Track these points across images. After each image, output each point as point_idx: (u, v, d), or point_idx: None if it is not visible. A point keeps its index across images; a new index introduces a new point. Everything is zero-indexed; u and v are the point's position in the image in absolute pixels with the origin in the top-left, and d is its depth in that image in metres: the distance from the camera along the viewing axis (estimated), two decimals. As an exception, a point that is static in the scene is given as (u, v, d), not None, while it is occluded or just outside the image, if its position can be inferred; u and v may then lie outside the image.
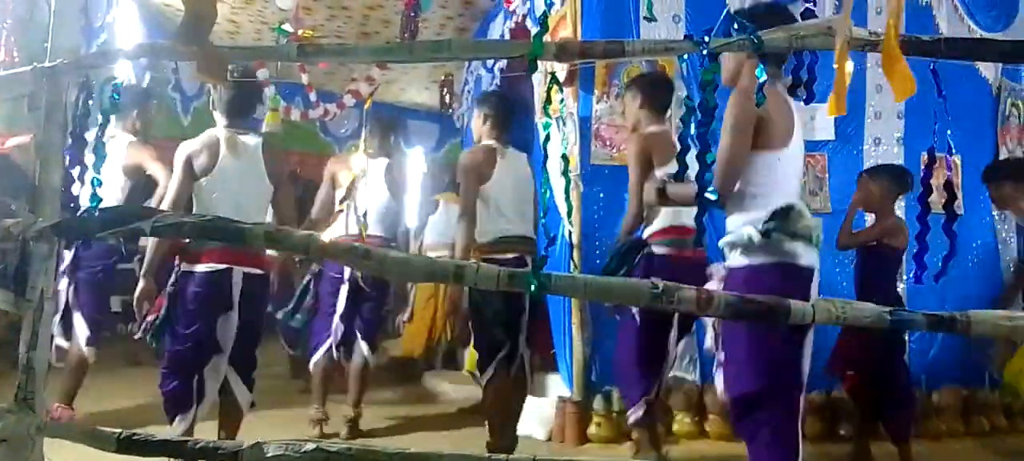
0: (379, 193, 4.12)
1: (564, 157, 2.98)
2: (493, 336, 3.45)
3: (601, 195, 4.05)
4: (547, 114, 1.98)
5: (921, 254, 1.80)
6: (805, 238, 2.10)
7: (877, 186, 3.57)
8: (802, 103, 2.13)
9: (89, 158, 2.07)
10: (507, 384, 3.46)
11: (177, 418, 2.97)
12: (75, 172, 2.05)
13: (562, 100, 3.68)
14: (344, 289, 4.02)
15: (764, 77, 1.69)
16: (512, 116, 3.69)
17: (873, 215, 3.71)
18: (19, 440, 1.99)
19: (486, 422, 3.54)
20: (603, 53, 1.85)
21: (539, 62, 1.77)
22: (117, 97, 2.15)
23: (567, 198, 2.72)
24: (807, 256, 2.13)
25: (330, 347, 4.08)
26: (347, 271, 4.01)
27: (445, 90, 7.20)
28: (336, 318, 4.04)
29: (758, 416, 2.11)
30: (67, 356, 3.86)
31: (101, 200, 2.06)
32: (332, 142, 8.09)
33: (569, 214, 2.67)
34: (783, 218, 2.09)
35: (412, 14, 4.88)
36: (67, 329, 3.86)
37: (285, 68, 6.08)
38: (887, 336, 3.24)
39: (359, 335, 4.08)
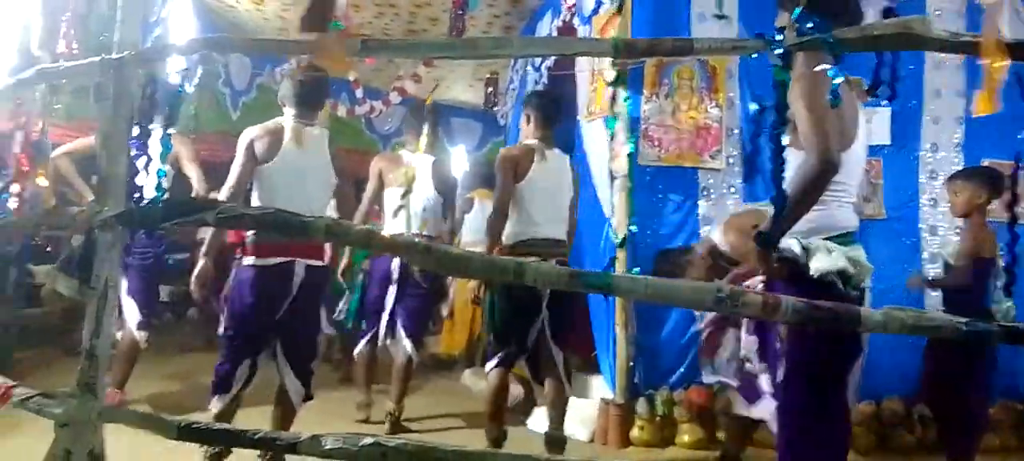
0: (426, 190, 4.13)
1: (630, 156, 2.94)
2: (501, 334, 3.47)
3: (656, 196, 3.97)
4: (612, 112, 1.95)
5: (1012, 264, 1.73)
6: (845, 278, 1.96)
7: (967, 190, 3.33)
8: (886, 102, 2.05)
9: (154, 149, 2.11)
10: (504, 381, 3.48)
11: (214, 399, 2.96)
12: (141, 163, 2.08)
13: (627, 98, 3.62)
14: (392, 288, 4.07)
15: (840, 79, 1.64)
16: (557, 116, 3.66)
17: (962, 221, 3.45)
18: (81, 425, 2.02)
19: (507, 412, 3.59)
20: (671, 51, 1.82)
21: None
22: (181, 91, 2.19)
23: (630, 198, 2.69)
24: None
25: (374, 338, 4.14)
26: (396, 269, 4.05)
27: (490, 88, 7.20)
28: (385, 314, 4.08)
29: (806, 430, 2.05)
30: (119, 341, 3.91)
31: (165, 191, 2.09)
32: (377, 139, 8.17)
33: (631, 215, 2.64)
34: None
35: (460, 12, 4.88)
36: (118, 315, 3.93)
37: (331, 63, 6.12)
38: (970, 352, 3.10)
39: (404, 332, 4.09)
